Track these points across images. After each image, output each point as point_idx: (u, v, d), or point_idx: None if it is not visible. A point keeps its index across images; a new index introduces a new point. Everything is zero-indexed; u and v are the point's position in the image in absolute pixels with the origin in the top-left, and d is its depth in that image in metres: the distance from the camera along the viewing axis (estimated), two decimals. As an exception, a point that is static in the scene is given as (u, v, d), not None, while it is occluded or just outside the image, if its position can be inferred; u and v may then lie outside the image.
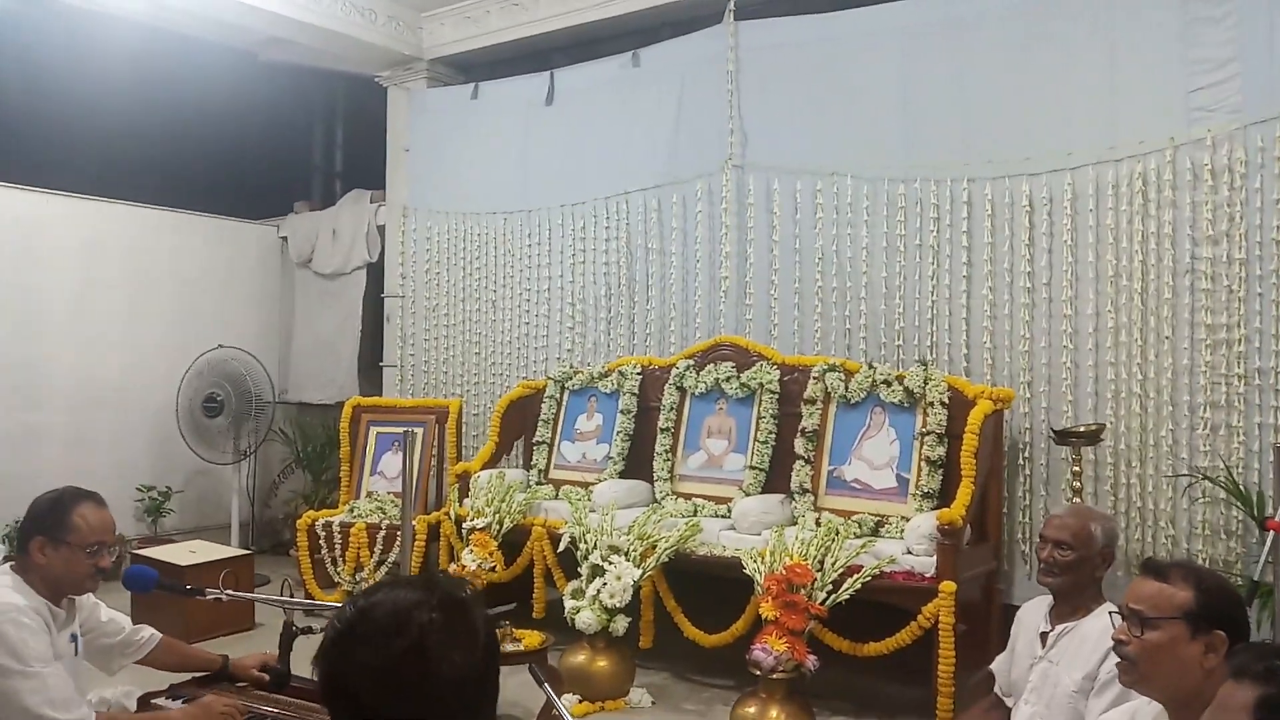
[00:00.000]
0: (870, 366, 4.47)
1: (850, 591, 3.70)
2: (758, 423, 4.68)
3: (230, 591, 3.21)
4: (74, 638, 2.80)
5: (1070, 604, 2.73)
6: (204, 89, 6.69)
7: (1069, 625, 2.71)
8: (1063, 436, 4.04)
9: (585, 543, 4.24)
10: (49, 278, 6.16)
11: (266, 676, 3.11)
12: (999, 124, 4.47)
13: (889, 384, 4.36)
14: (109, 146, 6.54)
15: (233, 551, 5.51)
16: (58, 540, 2.67)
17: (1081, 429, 4.01)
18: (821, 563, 3.76)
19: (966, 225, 4.53)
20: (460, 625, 1.10)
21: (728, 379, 4.81)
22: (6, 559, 3.69)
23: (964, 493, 3.89)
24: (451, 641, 1.08)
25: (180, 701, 3.02)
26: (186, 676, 3.21)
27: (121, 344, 6.51)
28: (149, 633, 3.12)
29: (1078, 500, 3.95)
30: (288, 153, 7.77)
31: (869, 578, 3.72)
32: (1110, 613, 2.14)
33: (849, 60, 4.85)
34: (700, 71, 5.29)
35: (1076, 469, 4.00)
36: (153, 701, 3.06)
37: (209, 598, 3.15)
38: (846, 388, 4.46)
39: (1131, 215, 4.16)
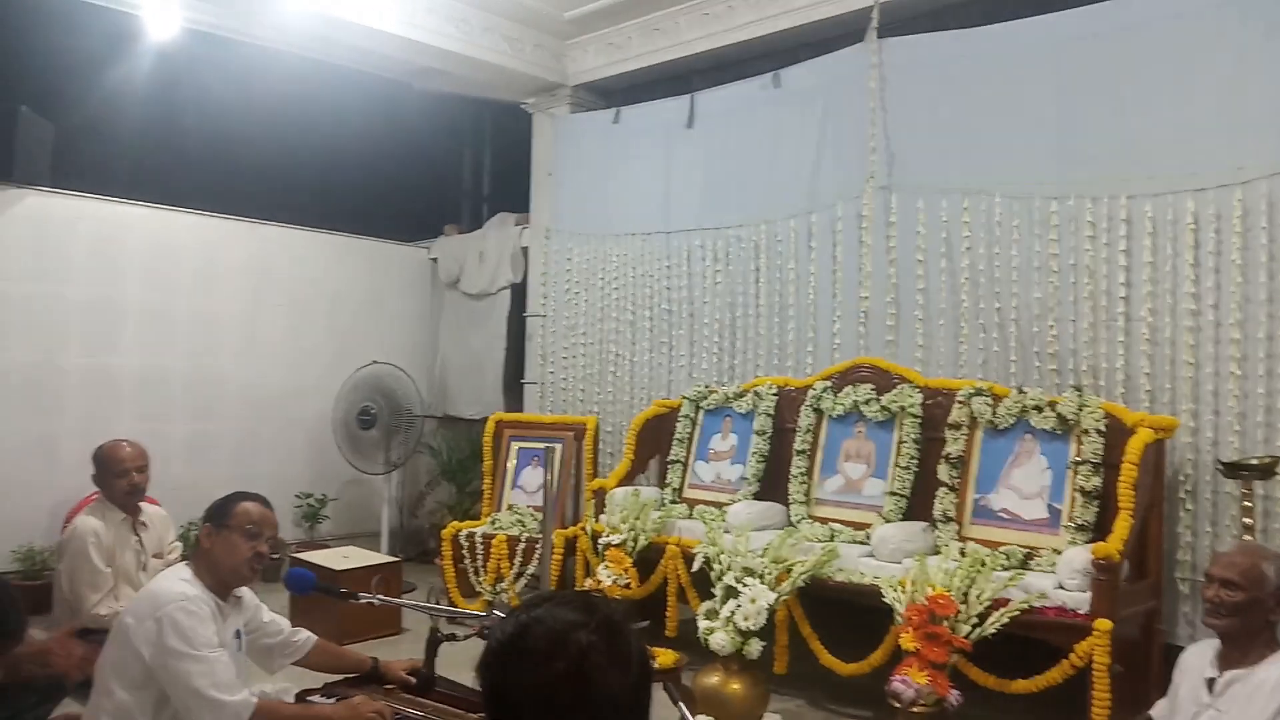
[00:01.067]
0: (1020, 391, 4.30)
1: (997, 626, 3.56)
2: (899, 447, 4.57)
3: (382, 597, 3.36)
4: (238, 634, 2.99)
5: (1240, 649, 2.55)
6: (362, 118, 7.09)
7: (1239, 673, 2.53)
8: (1232, 469, 3.77)
9: (719, 564, 4.23)
10: (222, 297, 6.63)
11: (413, 680, 3.23)
12: (1161, 137, 4.23)
13: (1040, 410, 4.19)
14: (275, 174, 6.98)
15: (383, 558, 5.75)
16: (221, 525, 2.88)
17: (1254, 461, 3.74)
18: (966, 594, 3.63)
19: (1125, 244, 4.30)
20: (617, 647, 1.13)
21: (867, 401, 4.72)
22: (183, 557, 3.98)
23: (1122, 526, 3.68)
24: (609, 663, 1.11)
25: (334, 700, 3.18)
26: (339, 677, 3.38)
27: (284, 359, 6.93)
28: (305, 635, 3.30)
29: (1248, 538, 3.68)
30: (438, 178, 8.13)
31: (1017, 612, 3.57)
32: None
33: (998, 75, 4.70)
34: (842, 90, 5.24)
35: (1247, 504, 3.73)
36: (308, 699, 3.22)
37: (362, 602, 3.30)
38: (994, 413, 4.31)
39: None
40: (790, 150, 5.49)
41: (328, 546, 6.19)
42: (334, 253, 7.26)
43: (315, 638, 3.32)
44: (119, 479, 4.21)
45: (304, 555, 5.51)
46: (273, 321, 6.89)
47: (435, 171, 8.08)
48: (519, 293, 7.15)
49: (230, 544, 2.88)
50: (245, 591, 3.07)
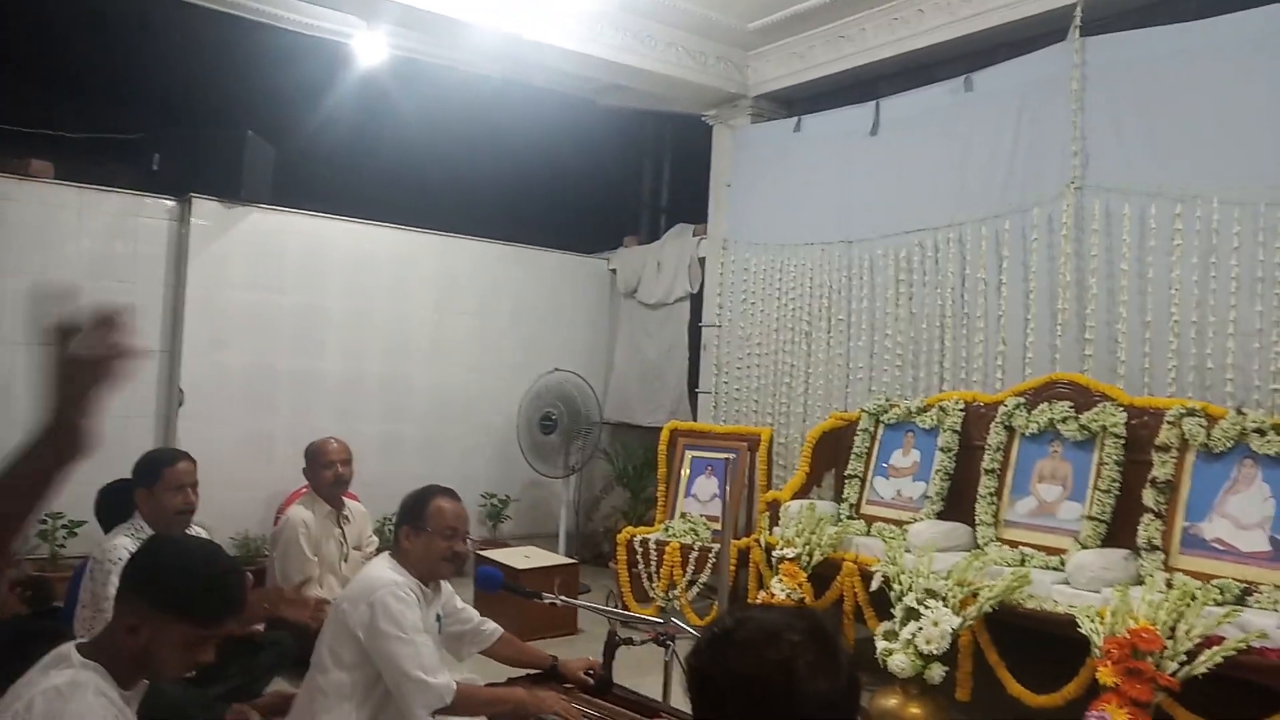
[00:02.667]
0: (1239, 412, 3.94)
1: (1208, 665, 3.27)
2: (1099, 469, 4.28)
3: (564, 598, 3.45)
4: (438, 618, 3.16)
5: None
6: (545, 134, 7.33)
7: None
8: None
9: (900, 584, 4.10)
10: (414, 305, 7.01)
11: (591, 680, 3.31)
12: None
13: (1263, 433, 3.82)
14: (463, 189, 7.32)
15: (561, 559, 5.92)
16: (418, 527, 3.04)
17: None
18: (1173, 630, 3.36)
19: (1367, 252, 3.88)
20: (828, 652, 1.14)
21: (1064, 420, 4.45)
22: (379, 550, 4.22)
23: (1360, 564, 3.31)
24: (819, 665, 1.12)
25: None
26: (521, 673, 3.50)
27: (470, 364, 7.24)
28: (493, 626, 3.44)
29: None
30: (618, 190, 8.31)
31: (1233, 651, 3.27)
32: None
33: (1216, 71, 4.34)
34: (1040, 92, 4.99)
35: None
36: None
37: (546, 601, 3.41)
38: (1208, 435, 3.97)
39: None
40: (981, 155, 5.26)
41: (509, 546, 6.43)
42: (517, 264, 7.54)
43: (502, 630, 3.45)
44: (325, 470, 4.54)
45: (487, 553, 5.73)
46: (459, 329, 7.22)
47: (615, 184, 8.27)
48: (695, 303, 7.19)
49: (429, 545, 3.05)
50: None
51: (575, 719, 3.01)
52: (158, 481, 3.47)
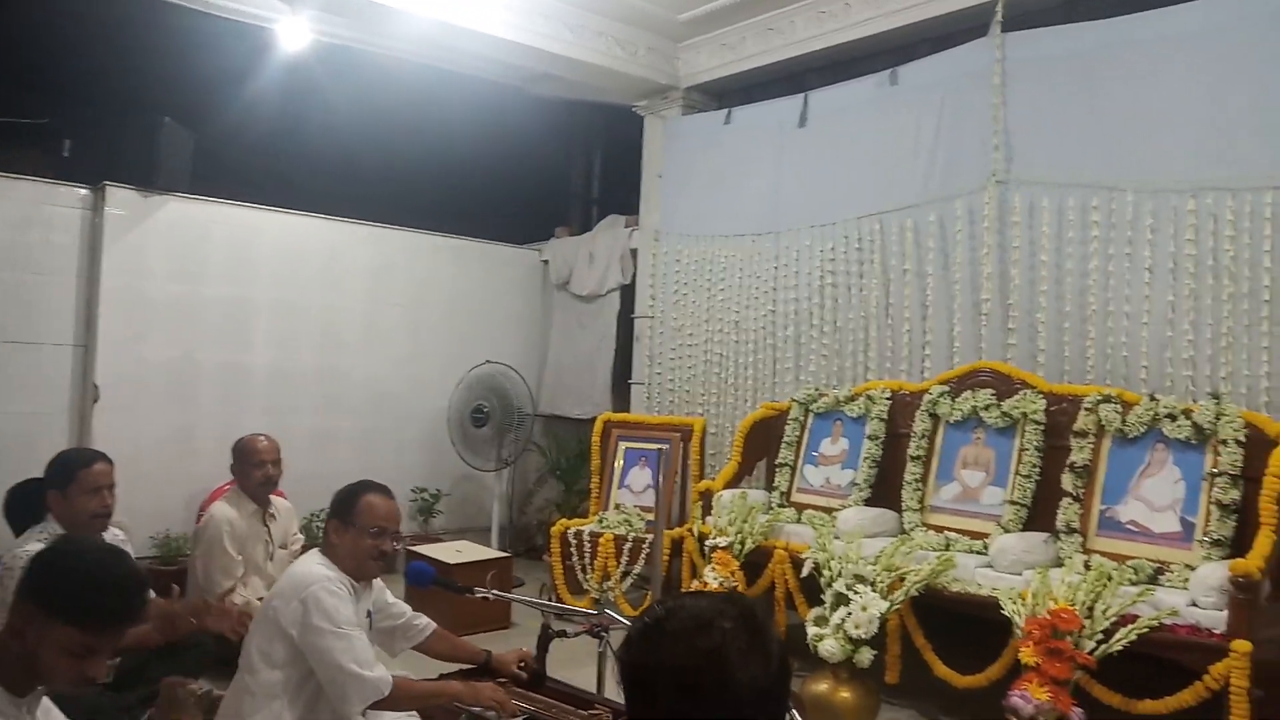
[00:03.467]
0: (1152, 398, 4.09)
1: (1123, 643, 3.40)
2: (1020, 455, 4.41)
3: (497, 592, 3.43)
4: (369, 614, 3.12)
5: None
6: (477, 123, 7.25)
7: None
8: (1391, 485, 3.51)
9: (829, 570, 4.17)
10: (346, 296, 6.88)
11: (524, 674, 3.29)
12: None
13: (1174, 418, 3.98)
14: (394, 179, 7.22)
15: (494, 553, 5.88)
16: (346, 523, 3.00)
17: None
18: (1091, 609, 3.48)
19: (1270, 242, 4.05)
20: (759, 639, 1.14)
21: (987, 407, 4.57)
22: (305, 548, 4.14)
23: (1263, 542, 3.46)
24: (750, 652, 1.12)
25: (452, 688, 3.26)
26: (453, 668, 3.46)
27: (402, 357, 7.14)
28: (425, 621, 3.40)
29: None
30: (550, 181, 8.28)
31: (1146, 629, 3.41)
32: None
33: (1132, 67, 4.48)
34: (963, 86, 5.09)
35: None
36: (425, 687, 3.31)
37: (478, 596, 3.38)
38: (1124, 421, 4.11)
39: None
40: (907, 148, 5.36)
41: (441, 540, 6.36)
42: (449, 255, 7.45)
43: (435, 625, 3.42)
44: (255, 470, 4.43)
45: (419, 548, 5.67)
46: (391, 321, 7.12)
47: (547, 175, 8.23)
48: (627, 294, 7.20)
49: (356, 542, 3.00)
50: None
51: (510, 709, 3.00)
52: (72, 484, 3.34)
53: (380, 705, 2.91)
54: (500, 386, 6.72)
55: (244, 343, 6.40)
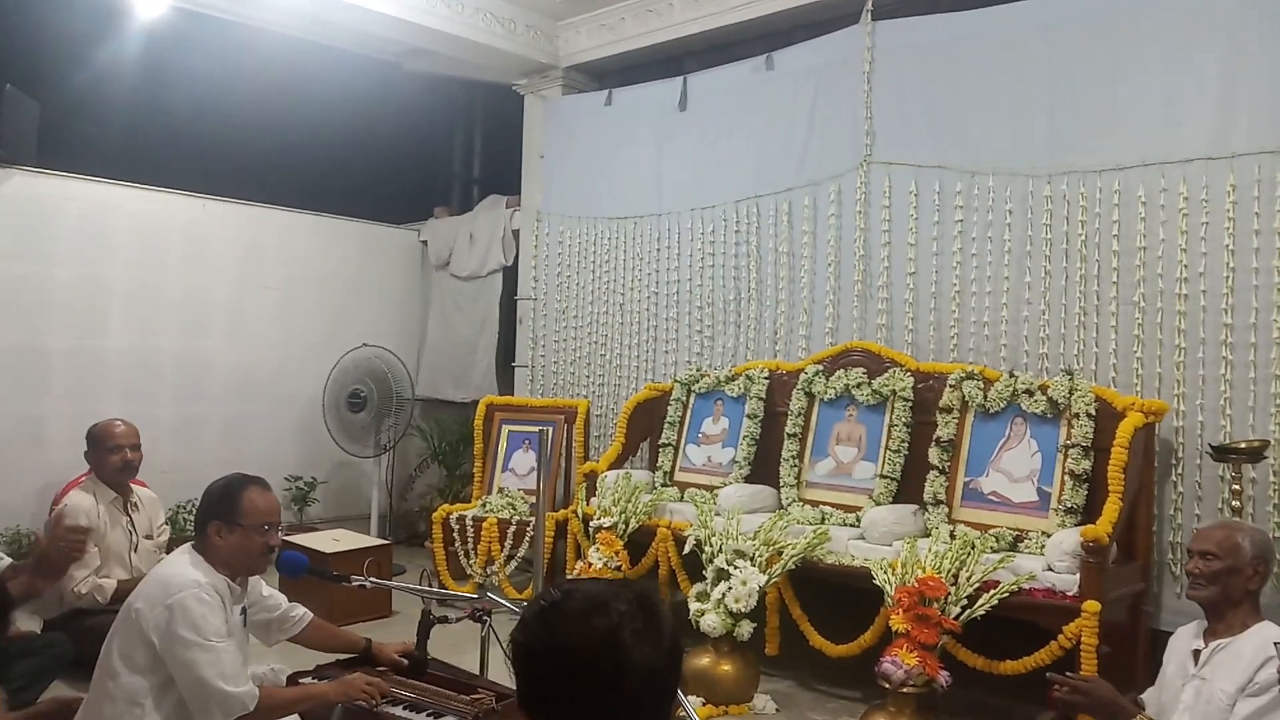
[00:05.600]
0: (1011, 375, 4.31)
1: (986, 607, 3.58)
2: (890, 431, 4.58)
3: (374, 579, 3.35)
4: (243, 610, 3.00)
5: (1224, 620, 2.62)
6: (352, 100, 7.03)
7: (1223, 641, 2.59)
8: (1222, 453, 3.79)
9: (710, 546, 4.24)
10: (211, 278, 6.59)
11: (406, 661, 3.24)
12: (1153, 116, 4.23)
13: (1031, 394, 4.20)
14: (264, 155, 6.93)
15: (373, 541, 5.75)
16: (232, 523, 2.86)
17: (1243, 445, 3.76)
18: (956, 576, 3.65)
19: (1117, 225, 4.31)
20: (652, 621, 1.16)
21: (858, 385, 4.72)
22: (172, 539, 3.97)
23: (1111, 509, 3.70)
24: (644, 633, 1.13)
25: (327, 682, 3.18)
26: (332, 658, 3.38)
27: (274, 341, 6.89)
28: (302, 611, 3.30)
29: (1235, 520, 3.71)
30: (429, 160, 8.09)
31: (1006, 594, 3.59)
32: (1273, 657, 2.03)
33: (992, 56, 4.69)
34: (835, 72, 5.23)
35: (1236, 487, 3.75)
36: (300, 681, 3.23)
37: (354, 584, 3.30)
38: (985, 396, 4.32)
39: (1301, 215, 3.88)
40: (783, 132, 5.47)
41: (317, 530, 6.18)
42: (323, 235, 7.22)
43: (311, 615, 3.33)
44: (112, 455, 4.21)
45: (294, 539, 5.49)
46: (262, 304, 6.85)
47: (426, 153, 8.04)
48: (510, 276, 7.12)
49: (243, 541, 2.87)
50: None
51: (377, 699, 2.94)
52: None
53: (246, 718, 2.81)
54: (378, 370, 6.56)
55: (98, 327, 6.05)
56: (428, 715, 2.91)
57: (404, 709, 2.96)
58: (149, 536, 4.34)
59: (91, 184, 6.02)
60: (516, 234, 7.06)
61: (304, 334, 7.03)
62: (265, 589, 3.22)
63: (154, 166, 6.33)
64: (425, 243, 7.79)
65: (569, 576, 5.00)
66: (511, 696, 2.89)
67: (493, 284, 7.25)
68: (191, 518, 3.01)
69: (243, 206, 6.76)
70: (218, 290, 6.62)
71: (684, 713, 2.62)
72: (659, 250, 6.09)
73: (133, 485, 4.37)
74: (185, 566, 2.85)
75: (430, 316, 7.74)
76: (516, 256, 7.06)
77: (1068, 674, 2.80)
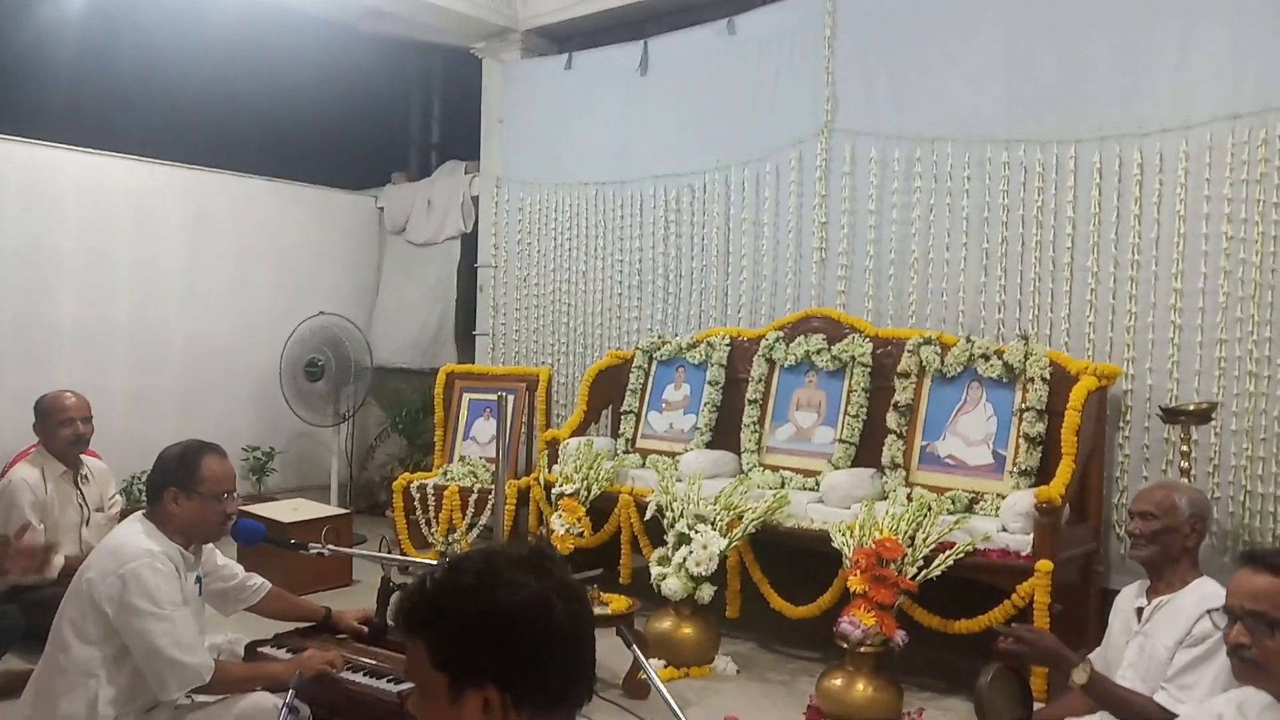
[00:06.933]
0: (968, 340, 4.36)
1: (942, 568, 3.64)
2: (849, 396, 4.62)
3: (331, 547, 3.33)
4: (198, 580, 2.96)
5: (1164, 579, 2.70)
6: (306, 62, 6.88)
7: (1164, 599, 2.67)
8: (1171, 415, 3.88)
9: (672, 511, 4.26)
10: (162, 245, 6.45)
11: (365, 629, 3.23)
12: (1110, 85, 4.28)
13: (987, 358, 4.25)
14: (216, 118, 6.78)
15: (333, 510, 5.71)
16: (190, 490, 2.82)
17: (1191, 407, 3.85)
18: (912, 538, 3.71)
19: (1073, 193, 4.36)
20: (559, 560, 1.22)
21: (818, 351, 4.76)
22: (125, 511, 3.91)
23: (1064, 471, 3.77)
24: (564, 572, 1.19)
25: (285, 650, 3.16)
26: (291, 626, 3.36)
27: (228, 309, 6.78)
28: (259, 581, 3.28)
29: (1183, 481, 3.80)
30: (386, 124, 7.95)
31: (962, 554, 3.66)
32: (1209, 611, 2.08)
33: (951, 24, 4.71)
34: (797, 38, 5.21)
35: (1185, 449, 3.84)
36: (259, 650, 3.20)
37: (312, 552, 3.27)
38: (942, 362, 4.37)
39: (1250, 182, 3.94)
40: (744, 98, 5.45)
41: (276, 500, 6.12)
42: (278, 201, 7.09)
43: (269, 584, 3.30)
44: (63, 429, 4.12)
45: (252, 509, 5.43)
46: (215, 271, 6.73)
47: (383, 118, 7.90)
48: (470, 243, 7.05)
49: (201, 509, 2.83)
50: None
51: (328, 671, 2.92)
52: None
53: (200, 691, 2.78)
54: (335, 339, 6.48)
55: (44, 295, 5.91)
56: (388, 681, 2.91)
57: (364, 675, 2.96)
58: (100, 509, 4.26)
59: (35, 147, 5.85)
60: (476, 200, 6.98)
61: (259, 302, 6.91)
62: (220, 558, 3.19)
63: (100, 130, 6.17)
64: (382, 209, 7.67)
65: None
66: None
67: (449, 250, 7.18)
68: (145, 489, 2.96)
69: (193, 171, 6.61)
70: (169, 258, 6.49)
71: (645, 675, 2.65)
72: (620, 217, 6.06)
73: (83, 456, 4.29)
74: (137, 535, 2.81)
75: (384, 284, 7.64)
76: (476, 223, 6.98)
77: (1013, 625, 2.87)
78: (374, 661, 3.03)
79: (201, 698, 2.83)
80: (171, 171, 6.49)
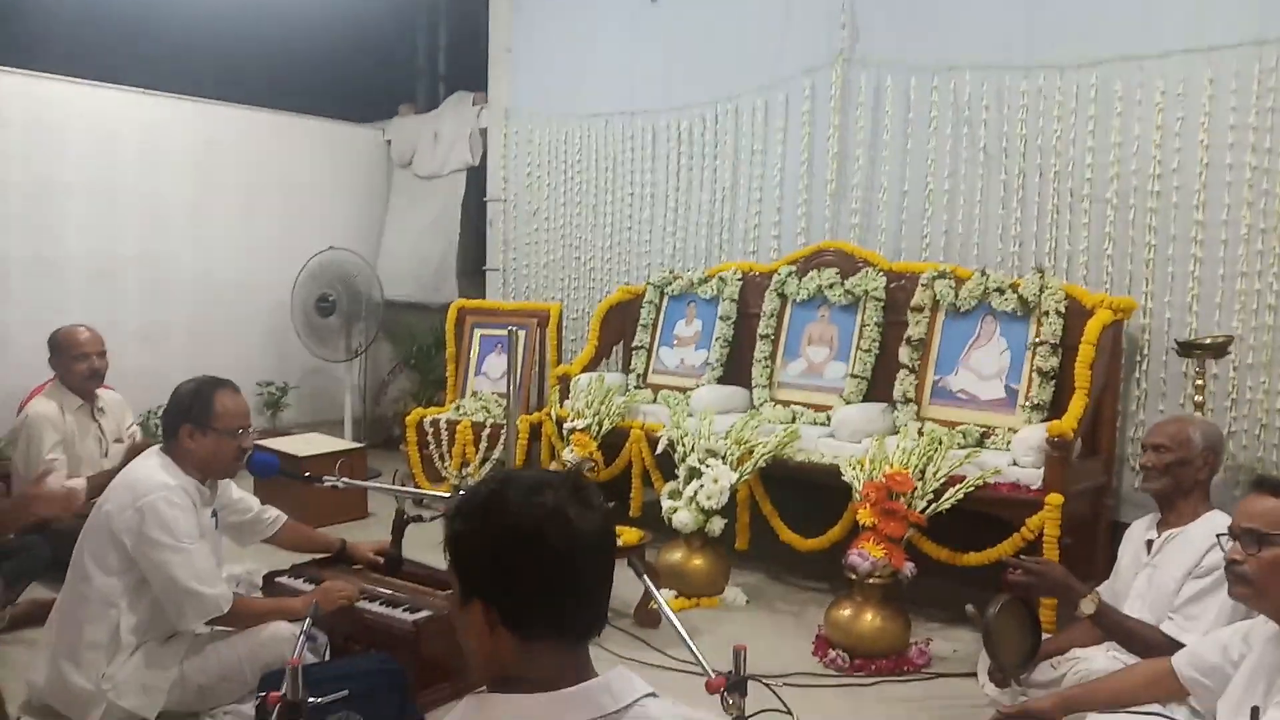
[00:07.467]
0: (983, 274, 4.31)
1: (951, 501, 3.65)
2: (861, 330, 4.59)
3: (345, 479, 3.37)
4: (214, 514, 3.01)
5: (1175, 510, 2.71)
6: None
7: (1174, 531, 2.68)
8: (1186, 348, 3.84)
9: (683, 446, 4.28)
10: (169, 179, 6.40)
11: (381, 560, 3.28)
12: (1131, 9, 4.14)
13: (1002, 292, 4.21)
14: (221, 49, 6.67)
15: (347, 444, 5.76)
16: (205, 426, 2.85)
17: (1208, 340, 3.81)
18: (923, 472, 3.71)
19: (1093, 122, 4.26)
20: (585, 493, 1.21)
21: (831, 286, 4.71)
22: (144, 441, 3.94)
23: (1076, 405, 3.75)
24: (582, 504, 1.19)
25: (303, 580, 3.22)
26: (307, 558, 3.41)
27: (237, 243, 6.75)
28: (275, 513, 3.32)
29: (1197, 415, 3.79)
30: (392, 54, 7.81)
31: (971, 488, 3.67)
32: (1219, 535, 2.09)
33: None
34: (811, -38, 5.06)
35: (1200, 383, 3.81)
36: (276, 580, 3.27)
37: (326, 484, 3.32)
38: (956, 295, 4.32)
39: (1275, 110, 3.83)
40: (755, 26, 5.32)
41: (290, 435, 6.18)
42: (285, 134, 7.01)
43: (285, 517, 3.35)
44: (77, 364, 4.15)
45: (267, 443, 5.48)
46: (223, 205, 6.69)
47: (390, 49, 7.75)
48: (479, 176, 6.98)
49: (216, 444, 2.87)
50: None
51: (355, 598, 2.98)
52: None
53: (218, 622, 2.84)
54: (346, 274, 6.47)
55: (52, 230, 5.90)
56: (404, 610, 2.97)
57: (381, 605, 3.02)
58: (119, 440, 4.31)
59: (38, 80, 5.78)
60: (484, 133, 6.89)
61: (268, 236, 6.88)
62: (236, 492, 3.23)
63: (104, 62, 6.08)
64: (390, 142, 7.59)
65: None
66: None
67: (454, 183, 7.10)
68: (166, 426, 2.98)
69: (199, 104, 6.53)
70: (176, 192, 6.45)
71: (656, 605, 2.68)
72: (631, 149, 5.97)
73: (98, 390, 4.32)
74: (154, 469, 2.84)
75: (390, 218, 7.58)
76: (484, 156, 6.90)
77: (1022, 557, 2.89)
78: (390, 591, 3.09)
79: (221, 628, 2.89)
80: (177, 104, 6.42)
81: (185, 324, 6.52)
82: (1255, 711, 1.87)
